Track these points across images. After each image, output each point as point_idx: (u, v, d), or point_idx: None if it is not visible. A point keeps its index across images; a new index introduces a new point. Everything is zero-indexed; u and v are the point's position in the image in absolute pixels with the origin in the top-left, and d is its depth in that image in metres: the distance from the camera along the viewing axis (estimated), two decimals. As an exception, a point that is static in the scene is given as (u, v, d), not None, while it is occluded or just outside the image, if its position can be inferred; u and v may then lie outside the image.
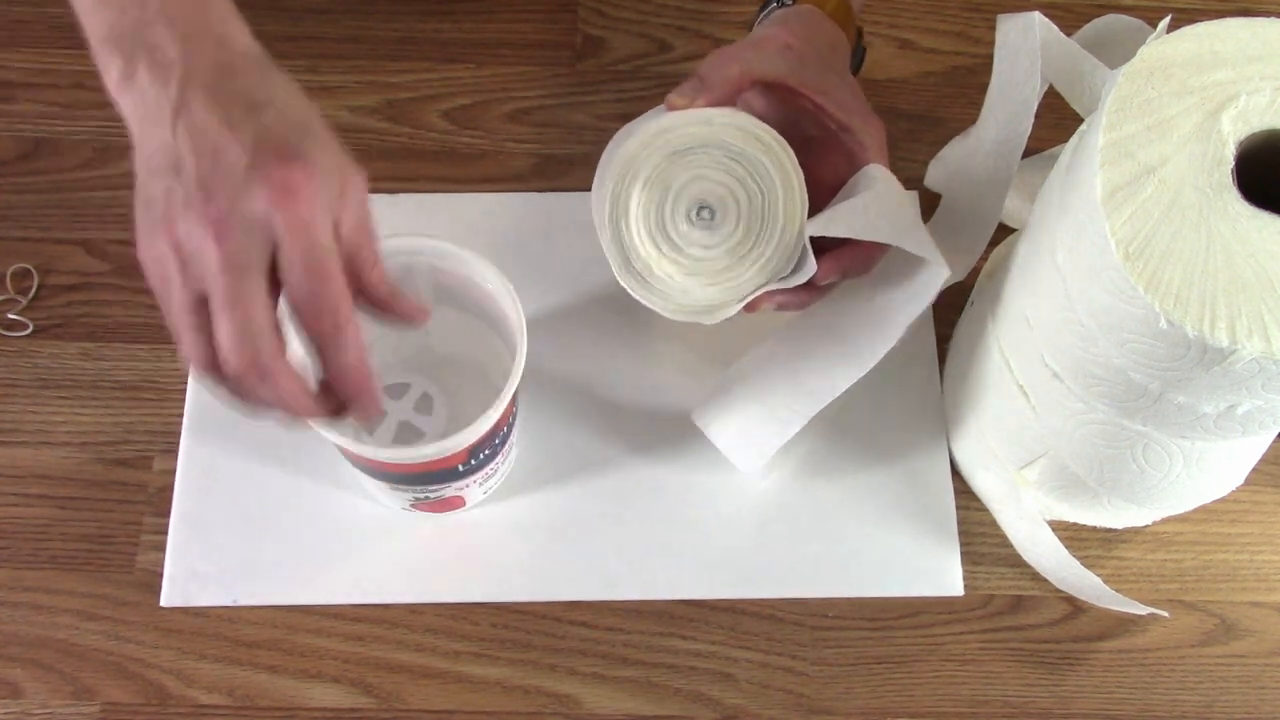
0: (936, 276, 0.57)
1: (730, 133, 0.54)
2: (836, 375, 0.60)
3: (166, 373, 0.67)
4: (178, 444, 0.65)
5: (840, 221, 0.55)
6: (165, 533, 0.63)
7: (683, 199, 0.55)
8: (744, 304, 0.56)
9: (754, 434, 0.61)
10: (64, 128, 0.72)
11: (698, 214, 0.55)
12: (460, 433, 0.54)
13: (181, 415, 0.65)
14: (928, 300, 0.59)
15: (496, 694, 0.61)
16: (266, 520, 0.64)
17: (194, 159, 0.42)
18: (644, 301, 0.57)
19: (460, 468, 0.57)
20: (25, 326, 0.68)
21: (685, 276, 0.56)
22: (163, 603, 0.62)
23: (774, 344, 0.63)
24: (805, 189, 0.55)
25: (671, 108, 0.55)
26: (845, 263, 0.57)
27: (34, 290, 0.69)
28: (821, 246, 0.56)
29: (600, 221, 0.56)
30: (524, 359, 0.55)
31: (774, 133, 0.55)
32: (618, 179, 0.55)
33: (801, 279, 0.56)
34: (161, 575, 0.62)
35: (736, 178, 0.55)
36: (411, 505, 0.62)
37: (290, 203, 0.41)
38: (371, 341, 0.62)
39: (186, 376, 0.66)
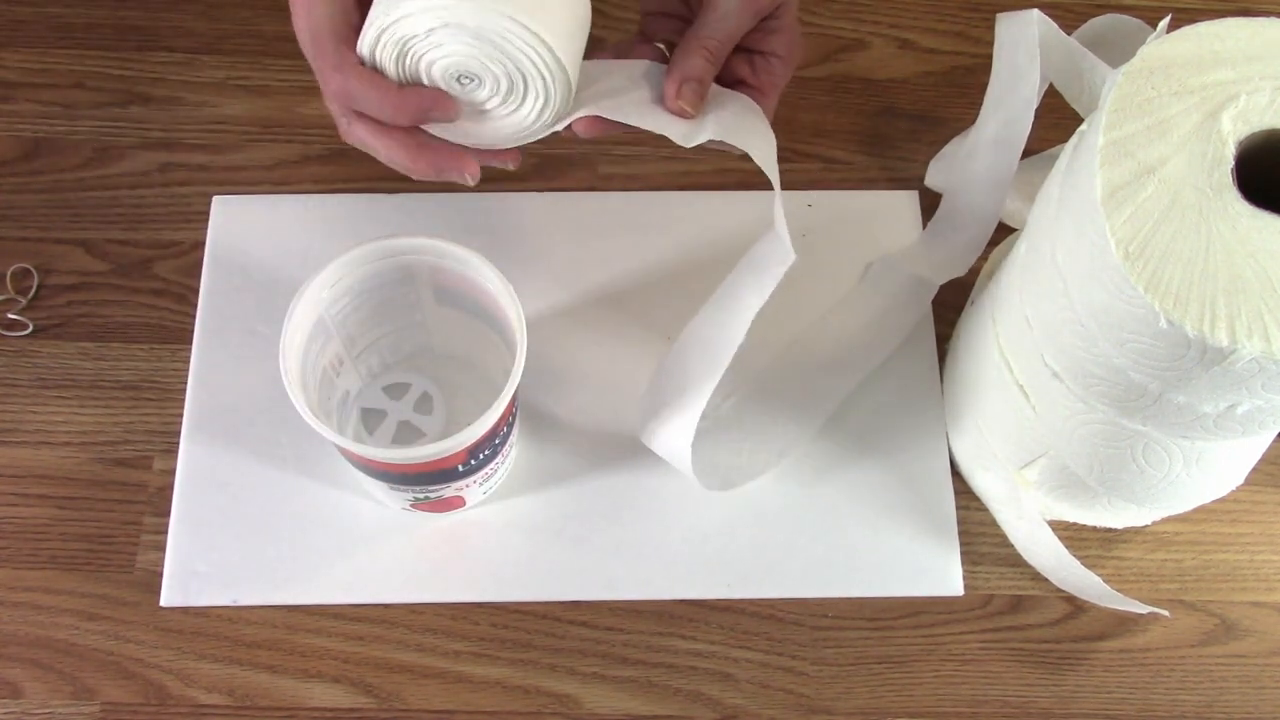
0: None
1: (487, 25, 0.50)
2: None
3: (166, 373, 0.67)
4: (178, 444, 0.65)
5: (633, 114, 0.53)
6: (165, 533, 0.63)
7: (438, 66, 0.51)
8: (549, 130, 0.53)
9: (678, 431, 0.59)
10: (64, 128, 0.72)
11: (457, 79, 0.52)
12: (460, 433, 0.54)
13: (181, 415, 0.65)
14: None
15: (496, 694, 0.61)
16: (266, 520, 0.64)
17: None
18: (442, 134, 0.54)
19: (460, 468, 0.57)
20: (25, 326, 0.68)
21: (466, 120, 0.53)
22: (163, 603, 0.62)
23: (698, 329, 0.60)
24: (568, 66, 0.51)
25: (686, 117, 0.54)
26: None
27: (34, 290, 0.69)
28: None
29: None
30: (524, 359, 0.55)
31: (532, 25, 0.50)
32: (374, 39, 0.51)
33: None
34: (161, 575, 0.62)
35: (492, 58, 0.51)
36: (411, 505, 0.62)
37: None
38: (373, 340, 0.63)
39: (186, 376, 0.66)
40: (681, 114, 0.53)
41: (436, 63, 0.51)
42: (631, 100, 0.54)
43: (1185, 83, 0.47)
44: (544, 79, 0.51)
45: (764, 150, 0.54)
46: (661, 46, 0.57)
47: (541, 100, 0.52)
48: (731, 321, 0.56)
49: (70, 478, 0.65)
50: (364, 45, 0.52)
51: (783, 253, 0.54)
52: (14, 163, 0.71)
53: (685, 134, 0.54)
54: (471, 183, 0.54)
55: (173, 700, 0.61)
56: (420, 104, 0.51)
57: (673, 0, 0.57)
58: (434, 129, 0.54)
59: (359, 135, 0.53)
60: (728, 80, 0.56)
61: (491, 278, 0.56)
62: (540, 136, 0.54)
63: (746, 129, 0.55)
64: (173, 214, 0.70)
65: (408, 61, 0.52)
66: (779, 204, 0.55)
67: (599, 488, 0.65)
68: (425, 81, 0.52)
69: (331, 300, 0.58)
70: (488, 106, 0.53)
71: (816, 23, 0.76)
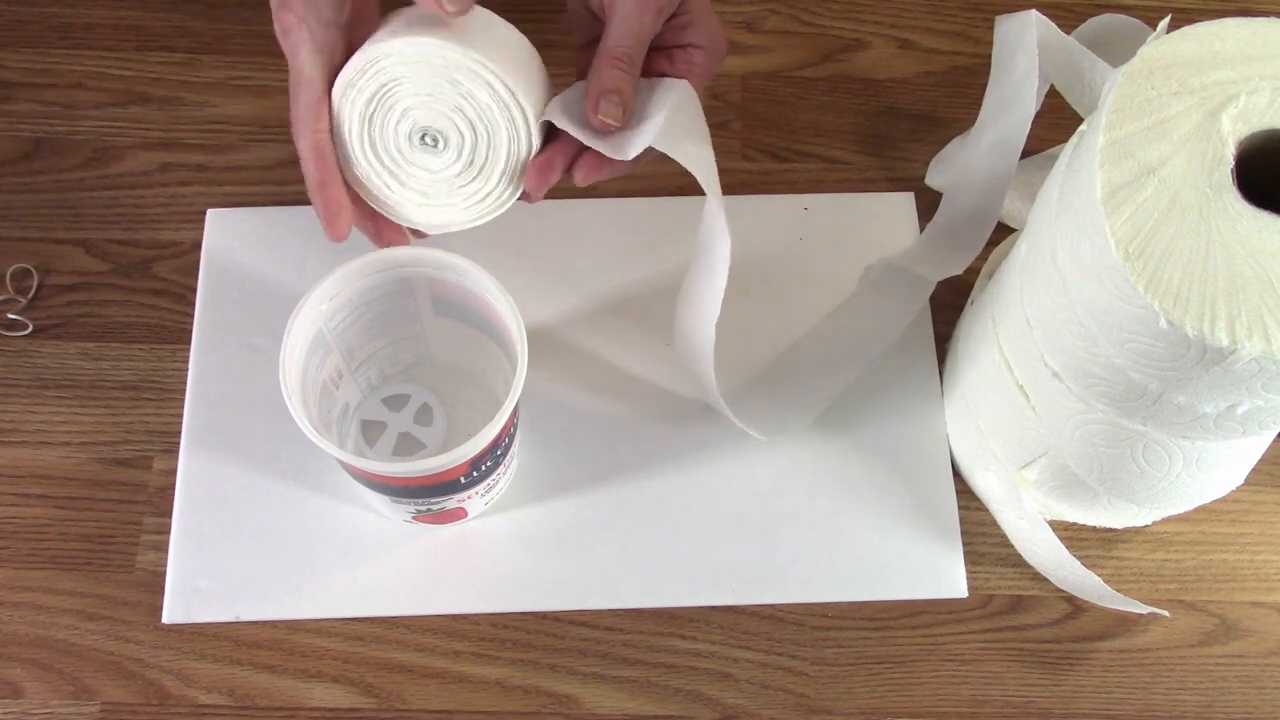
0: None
1: (464, 73, 0.52)
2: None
3: (166, 373, 0.67)
4: (178, 444, 0.65)
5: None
6: (165, 533, 0.63)
7: (407, 120, 0.53)
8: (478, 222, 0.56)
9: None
10: (64, 128, 0.72)
11: (421, 139, 0.53)
12: (461, 446, 0.54)
13: (181, 415, 0.65)
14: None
15: (496, 694, 0.61)
16: (268, 535, 0.63)
17: None
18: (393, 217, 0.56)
19: (462, 479, 0.57)
20: (25, 326, 0.68)
21: (402, 191, 0.55)
22: (165, 620, 0.62)
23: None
24: (534, 130, 0.53)
25: (609, 130, 0.53)
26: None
27: (34, 290, 0.69)
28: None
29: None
30: (524, 372, 0.54)
31: (508, 81, 0.52)
32: (344, 85, 0.53)
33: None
34: (161, 575, 0.62)
35: (464, 114, 0.53)
36: (414, 518, 0.62)
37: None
38: (372, 353, 0.63)
39: (186, 377, 0.66)
40: (604, 128, 0.53)
41: (408, 113, 0.52)
42: (557, 112, 0.54)
43: (1185, 83, 0.47)
44: (509, 138, 0.52)
45: (698, 153, 0.54)
46: None
47: (502, 166, 0.53)
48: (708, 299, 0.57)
49: (70, 478, 0.65)
50: (343, 77, 0.52)
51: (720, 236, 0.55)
52: (14, 163, 0.71)
53: (615, 145, 0.53)
54: (335, 240, 0.55)
55: (173, 700, 0.61)
56: (329, 207, 0.54)
57: (596, 27, 0.57)
58: (382, 209, 0.56)
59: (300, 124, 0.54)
60: (649, 76, 0.55)
61: (491, 288, 0.56)
62: (494, 215, 0.55)
63: (684, 132, 0.53)
64: (173, 214, 0.70)
65: (375, 111, 0.53)
66: (716, 200, 0.54)
67: (601, 496, 0.65)
68: (392, 142, 0.53)
69: (330, 313, 0.57)
70: (448, 175, 0.54)
71: (817, 23, 0.76)
